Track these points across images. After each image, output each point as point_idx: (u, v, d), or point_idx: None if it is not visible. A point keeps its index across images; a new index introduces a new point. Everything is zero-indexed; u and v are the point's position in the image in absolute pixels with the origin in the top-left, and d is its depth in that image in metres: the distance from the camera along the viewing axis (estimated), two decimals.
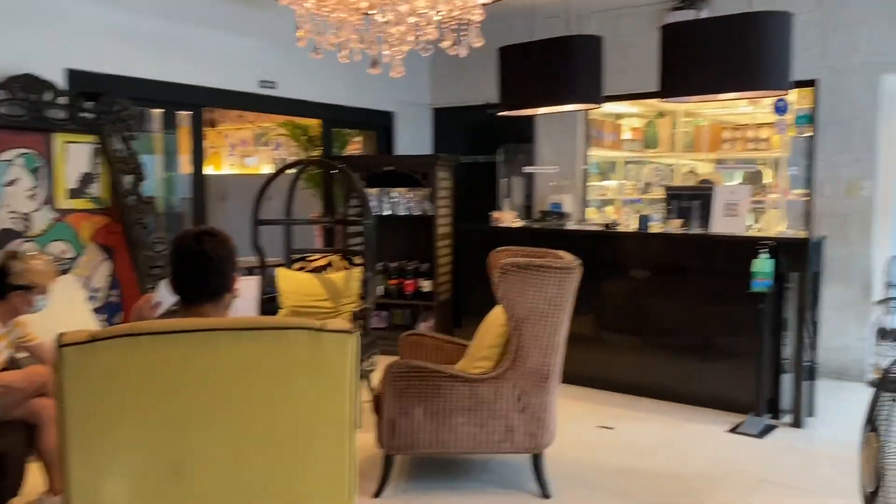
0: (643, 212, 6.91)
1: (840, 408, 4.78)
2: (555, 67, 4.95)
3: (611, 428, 4.39)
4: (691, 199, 4.89)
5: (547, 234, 5.43)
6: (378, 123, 6.90)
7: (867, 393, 5.12)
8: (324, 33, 2.94)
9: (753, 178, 7.02)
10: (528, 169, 6.29)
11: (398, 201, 6.33)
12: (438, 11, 2.82)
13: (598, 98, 5.02)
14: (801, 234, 5.11)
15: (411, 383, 3.31)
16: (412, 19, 2.87)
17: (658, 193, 7.34)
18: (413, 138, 7.17)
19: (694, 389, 4.76)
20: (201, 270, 2.13)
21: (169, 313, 2.36)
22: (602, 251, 5.15)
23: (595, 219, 6.48)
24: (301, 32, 2.93)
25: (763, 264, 4.30)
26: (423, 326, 6.21)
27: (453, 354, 3.92)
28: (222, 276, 2.17)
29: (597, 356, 5.11)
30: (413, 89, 7.11)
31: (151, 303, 2.37)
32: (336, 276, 4.73)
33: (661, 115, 7.46)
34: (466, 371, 3.41)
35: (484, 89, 6.88)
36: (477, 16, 3.00)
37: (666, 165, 7.77)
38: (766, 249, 4.30)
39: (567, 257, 3.44)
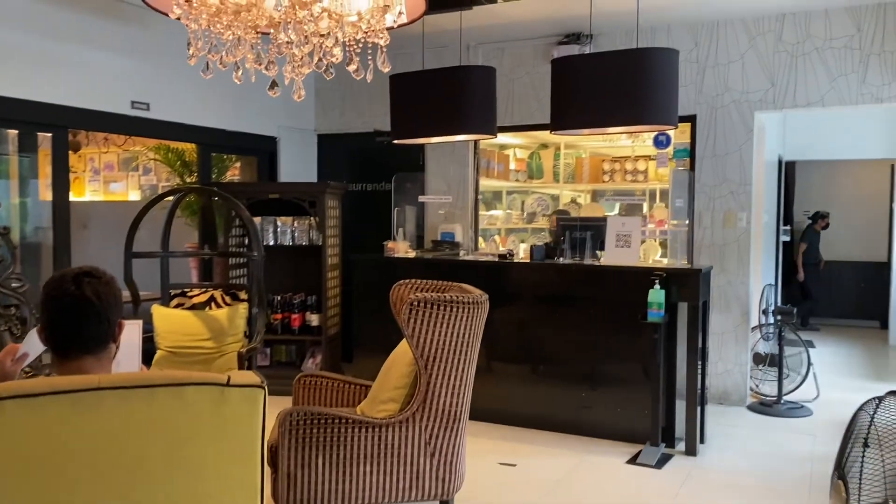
0: (530, 241, 6.98)
1: (727, 433, 4.92)
2: (449, 97, 4.89)
3: (513, 465, 4.28)
4: (584, 230, 4.93)
5: (442, 264, 5.32)
6: (260, 149, 6.58)
7: (749, 417, 5.36)
8: (218, 51, 2.69)
9: (632, 210, 7.23)
10: (423, 198, 6.17)
11: (283, 230, 6.02)
12: (346, 34, 2.64)
13: (492, 128, 5.00)
14: (684, 262, 5.26)
15: (311, 432, 3.05)
16: (315, 40, 2.67)
17: (543, 223, 7.45)
18: (297, 165, 6.89)
19: (592, 420, 4.76)
20: (82, 318, 1.83)
21: (38, 369, 2.02)
22: (498, 282, 5.08)
23: (484, 248, 6.45)
24: (193, 50, 2.65)
25: (657, 295, 4.37)
26: (311, 363, 5.91)
27: (353, 396, 3.69)
28: (106, 323, 1.88)
29: (494, 390, 5.01)
30: (296, 114, 6.85)
31: (16, 355, 2.02)
32: (219, 314, 4.38)
33: (544, 146, 7.59)
34: (371, 415, 3.20)
35: (371, 116, 6.74)
36: (383, 40, 2.85)
37: (549, 196, 7.90)
38: (659, 280, 4.37)
39: (475, 291, 3.31)
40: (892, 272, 8.47)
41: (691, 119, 5.67)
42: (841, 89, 5.25)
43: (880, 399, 1.58)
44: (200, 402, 1.79)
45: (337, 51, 2.67)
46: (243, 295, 4.55)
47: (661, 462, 4.31)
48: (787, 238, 9.10)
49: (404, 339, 3.37)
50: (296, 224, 6.02)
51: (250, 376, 1.90)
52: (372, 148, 6.70)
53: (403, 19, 2.87)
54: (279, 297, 5.95)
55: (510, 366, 5.05)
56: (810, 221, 9.48)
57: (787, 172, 9.13)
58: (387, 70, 2.81)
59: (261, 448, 1.88)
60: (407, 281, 3.73)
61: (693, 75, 5.65)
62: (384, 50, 2.85)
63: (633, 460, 4.34)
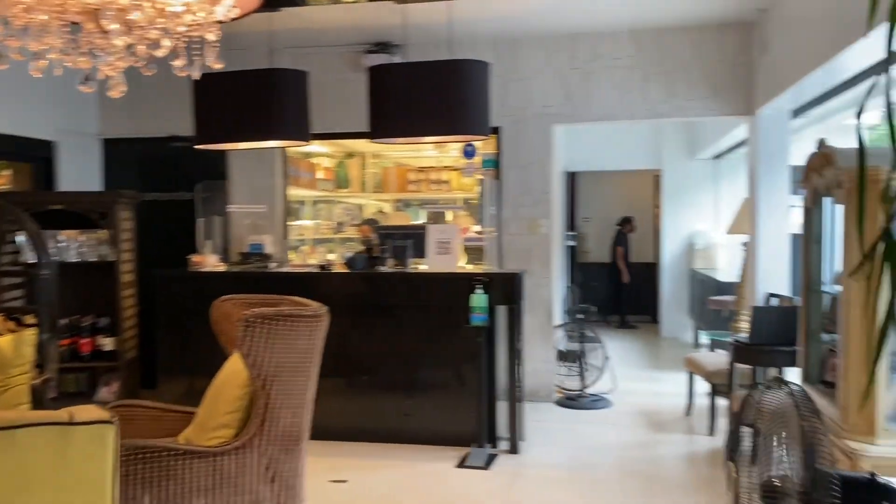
0: (340, 251, 6.87)
1: (542, 428, 5.15)
2: (260, 100, 4.69)
3: (344, 481, 4.15)
4: (404, 238, 4.94)
5: (259, 277, 5.06)
6: (34, 155, 5.83)
7: (558, 412, 5.68)
8: (20, 38, 2.32)
9: (436, 218, 7.38)
10: (232, 208, 5.83)
11: (67, 245, 5.38)
12: (178, 25, 2.40)
13: (305, 135, 4.85)
14: (492, 267, 5.47)
15: (136, 468, 2.72)
16: (139, 31, 2.41)
17: (351, 232, 7.37)
18: (79, 173, 6.20)
19: (419, 427, 4.75)
20: None
21: None
22: (319, 293, 4.88)
23: (295, 259, 6.24)
24: None
25: (479, 299, 4.48)
26: (106, 391, 5.33)
27: (173, 425, 3.36)
28: None
29: (319, 405, 4.82)
30: (77, 117, 6.18)
31: None
32: (1, 342, 3.79)
33: (350, 155, 7.52)
34: (201, 444, 2.92)
35: (166, 119, 6.24)
36: (212, 34, 2.63)
37: (356, 205, 7.85)
38: (482, 285, 4.48)
39: (312, 304, 3.17)
40: (659, 272, 9.45)
41: (497, 131, 5.90)
42: (627, 105, 5.75)
43: (766, 385, 1.74)
44: (37, 445, 1.52)
45: (166, 42, 2.42)
46: (29, 319, 3.97)
47: (489, 462, 4.41)
48: (574, 243, 9.82)
49: (231, 359, 3.15)
50: (83, 238, 5.41)
51: (96, 411, 1.65)
52: (167, 154, 6.23)
53: (235, 13, 2.68)
54: (65, 321, 5.30)
55: (334, 379, 4.90)
56: (619, 227, 10.43)
57: (571, 182, 9.87)
58: (219, 67, 2.61)
59: (111, 494, 1.63)
60: (231, 296, 3.48)
61: (497, 89, 5.88)
62: (214, 46, 2.65)
63: (461, 464, 4.40)
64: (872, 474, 1.55)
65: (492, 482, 4.16)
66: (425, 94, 4.47)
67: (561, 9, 5.25)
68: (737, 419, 1.72)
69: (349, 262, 5.07)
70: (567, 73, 5.83)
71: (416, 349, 4.79)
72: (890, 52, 1.26)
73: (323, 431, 4.79)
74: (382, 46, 5.99)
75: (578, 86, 5.82)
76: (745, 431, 1.65)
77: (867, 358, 2.62)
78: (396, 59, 5.94)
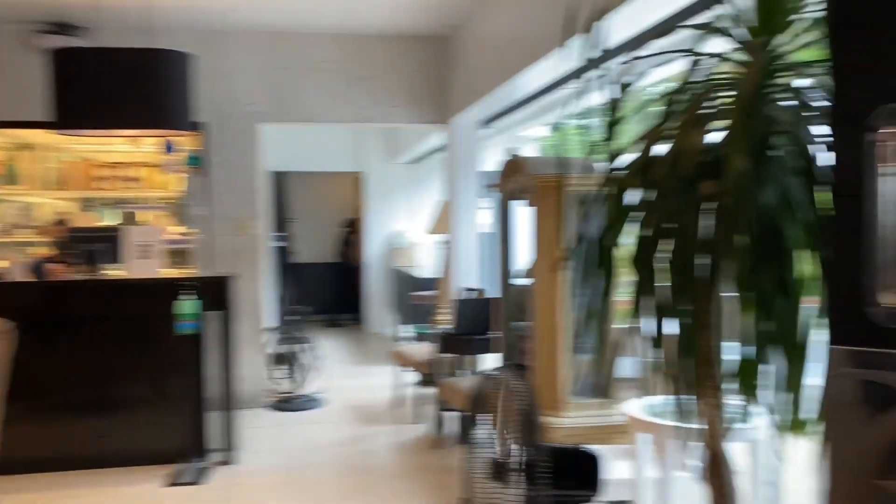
0: (11, 257, 6.01)
1: (256, 435, 5.03)
2: None
3: None
4: (100, 241, 4.48)
5: None
6: None
7: (272, 416, 5.58)
8: None
9: (129, 219, 6.84)
10: None
11: None
12: None
13: None
14: (196, 271, 5.21)
15: None
16: None
17: (27, 235, 6.50)
18: None
19: (121, 449, 4.33)
20: None
21: None
22: None
23: None
24: None
25: (186, 306, 4.23)
26: None
27: None
28: None
29: (2, 436, 4.18)
30: None
31: None
32: None
33: (23, 147, 6.60)
34: None
35: None
36: None
37: (28, 204, 6.91)
38: (192, 290, 4.24)
39: None
40: (361, 271, 9.78)
41: (201, 127, 5.61)
42: (333, 107, 5.84)
43: (495, 373, 1.87)
44: None
45: None
46: None
47: (202, 477, 4.19)
48: (283, 244, 9.72)
49: None
50: None
51: None
52: None
53: None
54: None
55: (18, 405, 4.22)
56: (347, 228, 10.56)
57: (278, 182, 9.75)
58: None
59: None
60: None
61: (202, 83, 5.58)
62: None
63: (171, 482, 4.12)
64: (577, 445, 1.80)
65: (205, 497, 3.96)
66: (120, 83, 4.11)
67: (263, 7, 5.15)
68: (473, 406, 1.86)
69: (31, 270, 4.47)
70: (273, 72, 5.75)
71: (114, 364, 4.37)
72: (589, 61, 1.45)
73: (8, 465, 4.18)
74: (62, 27, 5.36)
75: (285, 85, 5.77)
76: (472, 417, 1.80)
77: (554, 342, 2.99)
78: (80, 43, 5.36)
